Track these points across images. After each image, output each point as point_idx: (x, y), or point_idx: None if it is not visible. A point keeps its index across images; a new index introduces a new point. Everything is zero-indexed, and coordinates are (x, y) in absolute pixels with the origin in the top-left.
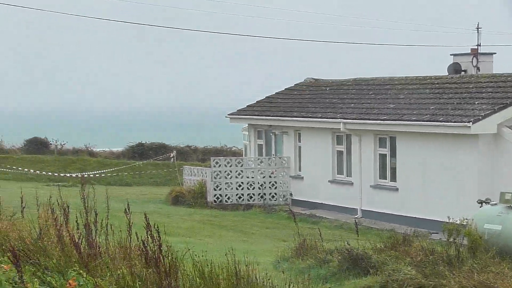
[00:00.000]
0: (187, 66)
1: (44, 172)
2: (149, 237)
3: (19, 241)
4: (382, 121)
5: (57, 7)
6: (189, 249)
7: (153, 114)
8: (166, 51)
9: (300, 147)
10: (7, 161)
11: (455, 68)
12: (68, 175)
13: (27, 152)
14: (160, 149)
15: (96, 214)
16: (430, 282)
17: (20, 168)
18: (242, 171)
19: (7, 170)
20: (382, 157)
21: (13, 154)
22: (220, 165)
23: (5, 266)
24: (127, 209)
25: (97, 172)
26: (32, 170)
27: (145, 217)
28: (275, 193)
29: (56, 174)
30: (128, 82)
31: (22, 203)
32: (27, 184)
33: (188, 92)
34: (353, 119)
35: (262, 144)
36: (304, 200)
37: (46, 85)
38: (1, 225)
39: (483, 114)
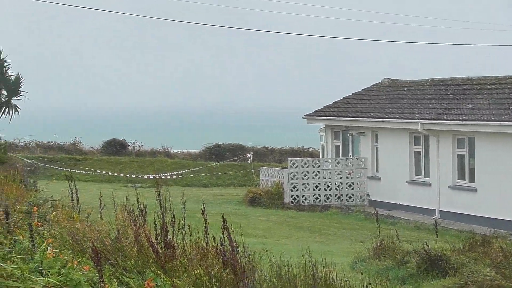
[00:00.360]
0: (265, 67)
1: (122, 174)
2: (225, 238)
3: (98, 242)
4: (460, 122)
5: None
6: (266, 250)
7: (229, 115)
8: (236, 51)
9: (377, 148)
10: (86, 162)
11: None
12: (146, 176)
13: (106, 154)
14: (237, 150)
15: (173, 215)
16: (510, 284)
17: (98, 171)
18: (319, 172)
19: (85, 172)
20: (461, 157)
21: (92, 156)
22: (297, 166)
23: (85, 267)
24: (203, 210)
25: (174, 173)
26: (110, 172)
27: (223, 218)
28: (352, 194)
29: (134, 176)
30: (203, 82)
31: (100, 204)
32: (105, 185)
33: (267, 92)
34: (431, 119)
35: (339, 145)
36: (381, 201)
37: (116, 86)
38: (81, 226)
39: None
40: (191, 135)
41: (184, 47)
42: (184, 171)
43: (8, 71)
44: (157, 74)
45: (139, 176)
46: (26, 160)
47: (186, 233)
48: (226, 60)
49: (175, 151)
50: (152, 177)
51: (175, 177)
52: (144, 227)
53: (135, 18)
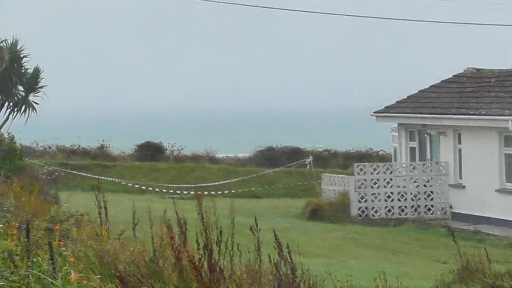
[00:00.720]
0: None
1: (158, 183)
2: (281, 258)
3: (130, 264)
4: None
5: None
6: (330, 273)
7: (284, 114)
8: (291, 43)
9: (460, 150)
10: (115, 169)
11: None
12: (187, 185)
13: (139, 159)
14: (294, 154)
15: (219, 232)
16: None
17: (130, 180)
18: (391, 179)
19: (115, 180)
20: None
21: (123, 162)
22: (365, 173)
23: None
24: (254, 225)
25: (220, 182)
26: (144, 181)
27: (275, 234)
28: (431, 205)
29: (172, 185)
30: (256, 80)
31: (133, 219)
32: (138, 197)
33: (325, 90)
34: None
35: (414, 147)
36: (466, 213)
37: (148, 84)
38: (110, 245)
39: None
40: (239, 138)
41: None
42: (231, 180)
43: (25, 64)
44: (193, 73)
45: (179, 185)
46: (45, 167)
47: (234, 253)
48: (268, 57)
49: (221, 155)
50: (194, 186)
51: (221, 186)
52: (186, 246)
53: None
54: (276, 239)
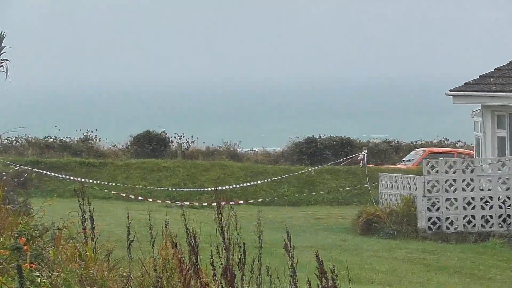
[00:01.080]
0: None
1: (161, 187)
2: (325, 287)
3: None
4: None
5: None
6: None
7: (327, 93)
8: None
9: None
10: (105, 169)
11: None
12: (199, 189)
13: (136, 155)
14: (342, 147)
15: (243, 251)
16: None
17: (124, 182)
18: (472, 180)
19: (104, 183)
20: None
21: (114, 159)
22: (437, 171)
23: None
24: (288, 243)
25: (243, 184)
26: (142, 184)
27: (316, 255)
28: None
29: (180, 189)
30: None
31: (128, 234)
32: (135, 205)
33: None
34: None
35: (504, 137)
36: None
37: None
38: (98, 269)
39: None
40: (268, 127)
41: None
42: (258, 182)
43: None
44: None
45: (188, 189)
46: (11, 166)
47: (262, 280)
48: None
49: (245, 150)
50: (208, 190)
51: (244, 189)
52: (198, 271)
53: None
54: (318, 260)
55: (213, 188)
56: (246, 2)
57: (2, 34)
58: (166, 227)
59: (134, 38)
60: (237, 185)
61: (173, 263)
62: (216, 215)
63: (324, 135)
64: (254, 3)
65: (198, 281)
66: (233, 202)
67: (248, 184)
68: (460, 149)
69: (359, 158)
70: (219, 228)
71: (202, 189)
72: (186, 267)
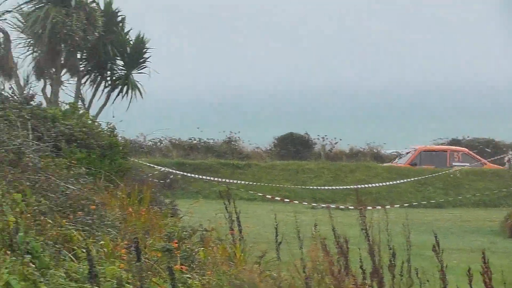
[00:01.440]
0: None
1: (306, 187)
2: None
3: None
4: None
5: None
6: None
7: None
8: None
9: None
10: (249, 170)
11: None
12: (345, 187)
13: (280, 156)
14: (489, 148)
15: (392, 254)
16: None
17: (269, 183)
18: None
19: (249, 184)
20: None
21: (258, 160)
22: None
23: None
24: (436, 245)
25: (387, 183)
26: (287, 185)
27: (483, 257)
28: None
29: (325, 189)
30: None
31: (276, 236)
32: (281, 206)
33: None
34: None
35: None
36: None
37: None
38: (248, 271)
39: None
40: (410, 126)
41: None
42: (402, 181)
43: (125, 28)
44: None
45: (333, 187)
46: (157, 168)
47: (413, 282)
48: None
49: (388, 151)
50: (352, 188)
51: (390, 190)
52: (349, 273)
53: None
54: (484, 262)
55: (357, 186)
56: None
57: (144, 38)
58: (315, 229)
59: None
60: (381, 184)
61: (325, 266)
62: (360, 218)
63: (468, 136)
64: None
65: (350, 282)
66: (379, 207)
67: (392, 182)
68: (452, 147)
69: (505, 160)
70: (363, 231)
71: (347, 187)
72: (337, 270)
